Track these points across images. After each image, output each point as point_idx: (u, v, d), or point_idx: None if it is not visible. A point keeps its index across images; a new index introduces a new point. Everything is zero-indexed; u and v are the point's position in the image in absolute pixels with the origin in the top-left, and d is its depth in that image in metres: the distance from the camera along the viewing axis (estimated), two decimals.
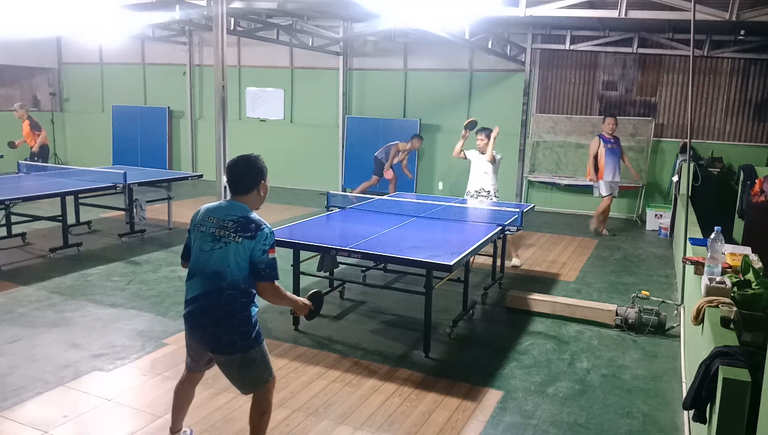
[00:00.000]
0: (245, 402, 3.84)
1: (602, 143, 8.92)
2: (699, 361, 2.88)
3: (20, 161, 9.24)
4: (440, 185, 8.76)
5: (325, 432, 3.56)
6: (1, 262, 6.74)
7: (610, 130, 8.91)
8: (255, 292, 2.96)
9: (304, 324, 5.15)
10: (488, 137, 7.12)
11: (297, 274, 5.08)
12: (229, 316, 2.88)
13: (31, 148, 10.77)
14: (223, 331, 2.89)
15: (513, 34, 11.00)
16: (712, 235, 3.76)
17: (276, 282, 2.93)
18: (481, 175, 7.31)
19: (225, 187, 6.78)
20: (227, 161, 3.10)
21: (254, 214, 2.96)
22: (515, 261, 7.44)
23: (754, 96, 10.12)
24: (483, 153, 7.20)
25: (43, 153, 10.78)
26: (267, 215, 9.85)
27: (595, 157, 9.02)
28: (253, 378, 3.01)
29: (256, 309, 3.01)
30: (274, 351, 4.64)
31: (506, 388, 4.19)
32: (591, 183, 9.37)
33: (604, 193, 9.07)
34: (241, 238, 2.84)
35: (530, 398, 4.06)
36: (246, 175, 2.98)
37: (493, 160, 7.17)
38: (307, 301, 3.15)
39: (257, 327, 2.99)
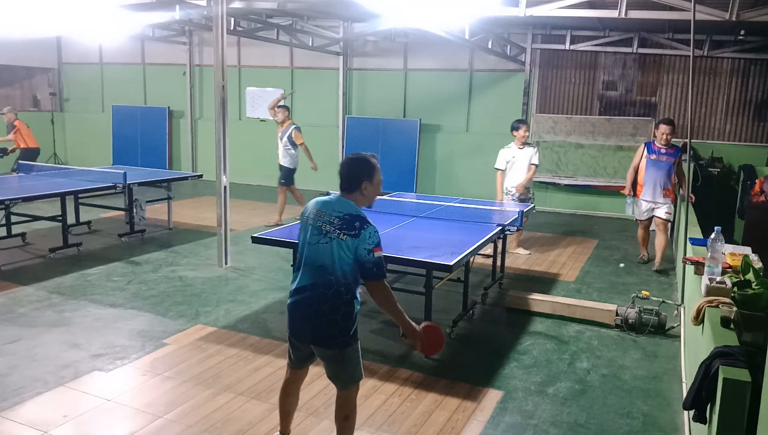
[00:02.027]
0: (245, 402, 3.85)
1: (645, 152, 7.23)
2: (699, 361, 2.88)
3: (21, 161, 9.24)
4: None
5: (325, 432, 3.56)
6: (1, 262, 6.73)
7: (664, 141, 7.08)
8: (358, 289, 3.00)
9: None
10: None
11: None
12: (333, 310, 2.93)
13: (23, 149, 10.59)
14: (325, 324, 2.94)
15: (513, 34, 11.01)
16: (712, 235, 3.76)
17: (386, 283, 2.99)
18: (520, 171, 7.63)
19: (225, 187, 6.86)
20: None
21: (360, 212, 2.95)
22: (520, 250, 7.71)
23: (754, 96, 10.12)
24: (522, 147, 7.60)
25: (27, 157, 10.51)
26: (268, 214, 9.78)
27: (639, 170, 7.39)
28: (347, 375, 3.06)
29: (359, 307, 3.09)
30: (274, 351, 4.64)
31: (506, 388, 4.19)
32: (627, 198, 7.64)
33: (637, 215, 7.44)
34: (345, 236, 2.86)
35: (530, 398, 4.05)
36: (349, 173, 2.99)
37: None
38: (418, 329, 3.00)
39: (356, 324, 3.02)
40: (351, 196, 2.99)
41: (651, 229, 7.55)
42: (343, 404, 3.09)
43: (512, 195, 7.60)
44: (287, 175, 9.10)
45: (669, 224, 7.30)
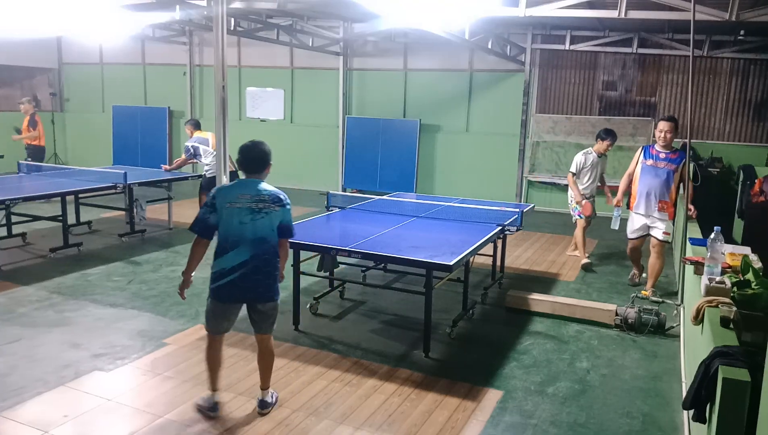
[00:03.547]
0: (245, 402, 3.86)
1: (642, 157, 6.16)
2: (699, 361, 2.88)
3: (20, 161, 9.24)
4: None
5: (325, 432, 3.57)
6: (1, 262, 6.73)
7: (663, 141, 6.00)
8: None
9: (304, 324, 5.15)
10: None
11: (297, 274, 5.08)
12: (275, 269, 3.63)
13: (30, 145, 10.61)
14: (272, 281, 3.62)
15: (513, 34, 11.01)
16: (712, 235, 3.77)
17: None
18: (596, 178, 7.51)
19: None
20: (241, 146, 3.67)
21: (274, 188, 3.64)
22: (585, 261, 7.35)
23: (754, 96, 10.12)
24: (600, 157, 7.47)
25: (34, 154, 10.53)
26: None
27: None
28: (274, 320, 3.73)
29: None
30: (274, 351, 4.63)
31: (506, 387, 4.20)
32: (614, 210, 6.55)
33: (628, 231, 6.28)
34: (278, 208, 3.58)
35: (530, 398, 4.06)
36: (260, 157, 3.64)
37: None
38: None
39: None
40: (260, 176, 3.65)
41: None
42: (268, 346, 3.76)
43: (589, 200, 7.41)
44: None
45: (666, 246, 6.19)
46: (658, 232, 6.06)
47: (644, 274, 6.57)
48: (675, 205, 6.09)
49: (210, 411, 3.67)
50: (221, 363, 3.78)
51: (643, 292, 5.96)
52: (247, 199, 3.52)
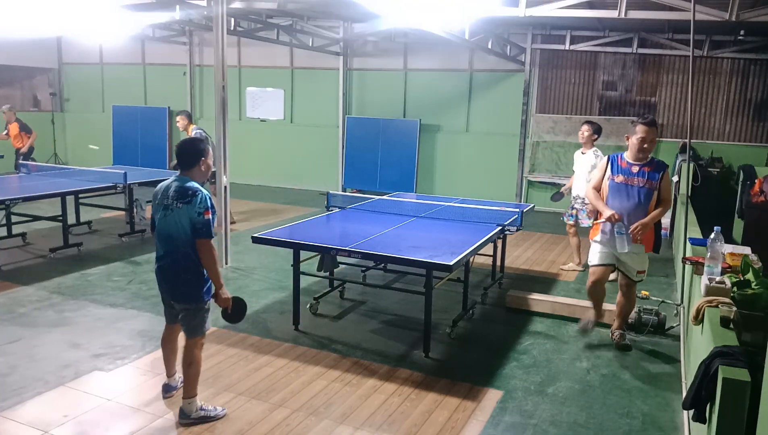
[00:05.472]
0: (245, 402, 3.87)
1: (609, 171, 4.67)
2: (699, 361, 2.88)
3: (20, 161, 9.25)
4: None
5: (325, 432, 3.57)
6: (1, 262, 6.74)
7: (640, 153, 4.54)
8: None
9: (304, 324, 5.15)
10: (596, 132, 6.64)
11: (297, 274, 5.08)
12: (186, 271, 3.49)
13: (19, 148, 10.85)
14: (182, 283, 3.51)
15: (513, 34, 11.01)
16: (712, 235, 3.77)
17: (213, 242, 3.52)
18: (580, 179, 6.69)
19: (225, 187, 6.86)
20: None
21: (193, 183, 3.50)
22: (571, 265, 7.14)
23: (754, 96, 10.12)
24: (584, 153, 6.73)
25: (29, 154, 10.86)
26: (267, 215, 9.79)
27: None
28: (195, 325, 3.60)
29: None
30: (274, 351, 4.65)
31: (506, 387, 4.20)
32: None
33: (590, 257, 4.84)
34: (181, 205, 3.43)
35: (530, 398, 4.06)
36: (189, 152, 3.56)
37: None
38: (228, 295, 3.57)
39: (209, 284, 3.57)
40: (190, 173, 3.55)
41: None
42: (188, 352, 3.60)
43: (578, 202, 6.78)
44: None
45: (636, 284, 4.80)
46: (632, 270, 4.67)
47: (601, 319, 5.12)
48: (655, 229, 4.65)
49: (163, 392, 3.87)
50: (174, 351, 3.85)
51: (643, 292, 5.96)
52: (163, 196, 3.52)
